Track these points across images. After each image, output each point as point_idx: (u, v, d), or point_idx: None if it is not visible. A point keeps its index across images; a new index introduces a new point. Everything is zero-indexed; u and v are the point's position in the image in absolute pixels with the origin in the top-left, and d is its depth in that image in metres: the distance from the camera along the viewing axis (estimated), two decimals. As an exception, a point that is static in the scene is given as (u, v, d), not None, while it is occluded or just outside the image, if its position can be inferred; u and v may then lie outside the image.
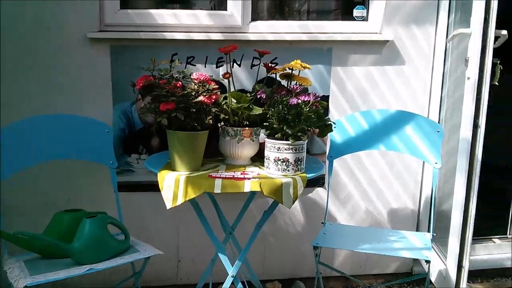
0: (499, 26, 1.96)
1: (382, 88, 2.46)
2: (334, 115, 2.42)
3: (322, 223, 2.21)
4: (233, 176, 1.66)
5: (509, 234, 2.87)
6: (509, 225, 2.87)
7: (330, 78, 2.40)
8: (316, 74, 2.38)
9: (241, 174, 1.70)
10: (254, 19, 2.36)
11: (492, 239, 2.85)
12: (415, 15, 2.40)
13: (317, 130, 1.92)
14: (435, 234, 2.12)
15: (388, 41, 2.40)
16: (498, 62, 2.03)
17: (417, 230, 2.60)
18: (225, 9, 2.31)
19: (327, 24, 2.41)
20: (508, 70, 2.24)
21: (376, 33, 2.42)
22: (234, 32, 2.30)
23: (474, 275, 2.70)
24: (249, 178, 1.64)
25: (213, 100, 1.66)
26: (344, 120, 2.30)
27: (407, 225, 2.61)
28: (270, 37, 2.31)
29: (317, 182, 2.46)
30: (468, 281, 2.64)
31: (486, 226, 2.91)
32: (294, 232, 2.54)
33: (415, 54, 2.43)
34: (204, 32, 2.27)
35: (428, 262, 1.89)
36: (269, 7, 2.52)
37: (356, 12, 2.44)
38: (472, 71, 1.97)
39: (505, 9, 2.26)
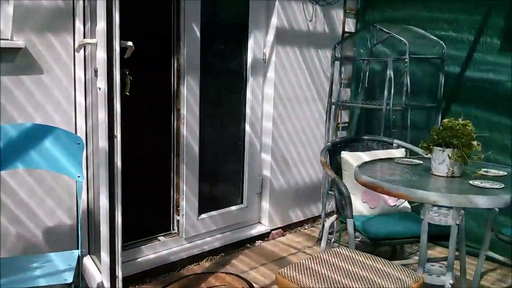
0: (130, 37, 2.02)
1: (21, 100, 2.24)
2: (-40, 133, 2.06)
3: None
4: None
5: (173, 230, 3.10)
6: (172, 221, 3.09)
7: (-51, 90, 2.03)
8: None
9: None
10: None
11: (158, 238, 3.02)
12: (49, 23, 2.26)
13: None
14: (84, 250, 2.06)
15: (20, 48, 2.19)
16: (127, 72, 2.09)
17: (78, 246, 2.50)
18: None
19: None
20: (139, 79, 2.36)
21: (7, 39, 2.18)
22: None
23: (145, 275, 2.78)
24: None
25: None
26: (-29, 139, 1.98)
27: (66, 242, 2.47)
28: None
29: None
30: (138, 284, 2.73)
31: (153, 226, 3.08)
32: None
33: (54, 63, 2.31)
34: None
35: (68, 285, 1.79)
36: None
37: (-23, 14, 2.13)
38: (102, 81, 1.97)
39: (132, 20, 2.39)
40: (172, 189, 3.04)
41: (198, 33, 2.88)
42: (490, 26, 3.02)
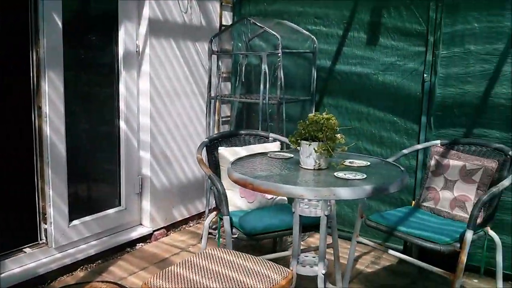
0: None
1: None
2: None
3: None
4: None
5: (41, 240, 2.82)
6: (38, 230, 2.81)
7: None
8: None
9: None
10: None
11: (23, 250, 2.73)
12: None
13: None
14: None
15: None
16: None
17: None
18: None
19: None
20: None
21: None
22: None
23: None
24: None
25: None
26: None
27: None
28: None
29: None
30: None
31: (17, 237, 2.77)
32: None
33: None
34: None
35: None
36: None
37: None
38: None
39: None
40: (36, 195, 2.76)
41: (60, 24, 2.62)
42: (357, 21, 3.17)
